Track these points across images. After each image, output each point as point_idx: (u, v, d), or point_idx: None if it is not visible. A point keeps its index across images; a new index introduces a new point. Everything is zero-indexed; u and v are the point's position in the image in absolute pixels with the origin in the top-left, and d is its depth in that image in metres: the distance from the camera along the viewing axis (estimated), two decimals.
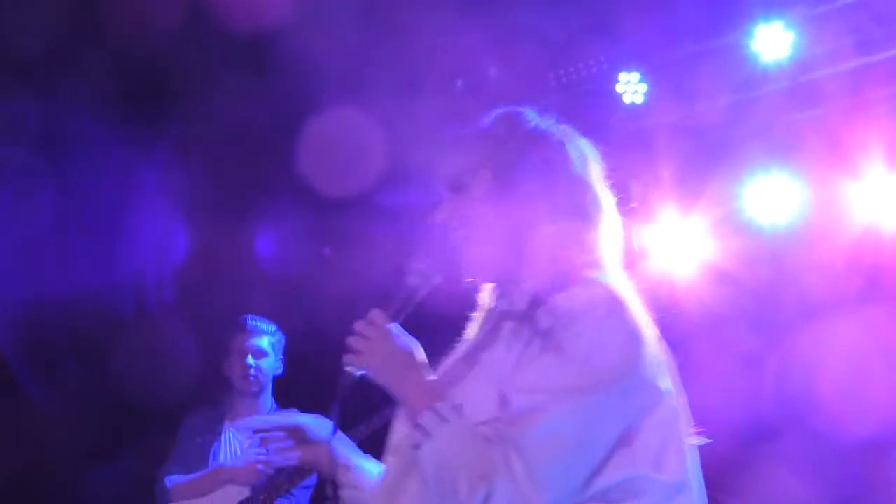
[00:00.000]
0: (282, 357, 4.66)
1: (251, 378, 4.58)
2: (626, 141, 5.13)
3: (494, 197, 2.08)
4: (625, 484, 1.89)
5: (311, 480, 4.39)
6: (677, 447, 1.97)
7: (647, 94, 5.28)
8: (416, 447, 1.97)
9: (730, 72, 5.01)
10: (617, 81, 5.30)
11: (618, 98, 5.30)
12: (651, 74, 5.25)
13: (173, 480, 4.39)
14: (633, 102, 5.29)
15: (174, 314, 5.92)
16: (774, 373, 4.81)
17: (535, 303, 1.98)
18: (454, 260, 2.12)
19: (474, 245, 2.11)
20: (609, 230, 2.13)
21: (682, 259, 5.32)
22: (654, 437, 1.93)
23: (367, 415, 4.21)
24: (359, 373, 2.07)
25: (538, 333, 1.93)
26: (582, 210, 2.09)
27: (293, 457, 2.34)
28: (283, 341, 4.69)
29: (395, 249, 5.63)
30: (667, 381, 1.98)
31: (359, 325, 2.06)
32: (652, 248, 5.36)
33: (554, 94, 5.15)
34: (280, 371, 4.65)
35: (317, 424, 2.33)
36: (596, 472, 1.88)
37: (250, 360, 4.59)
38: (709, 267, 5.23)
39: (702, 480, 2.03)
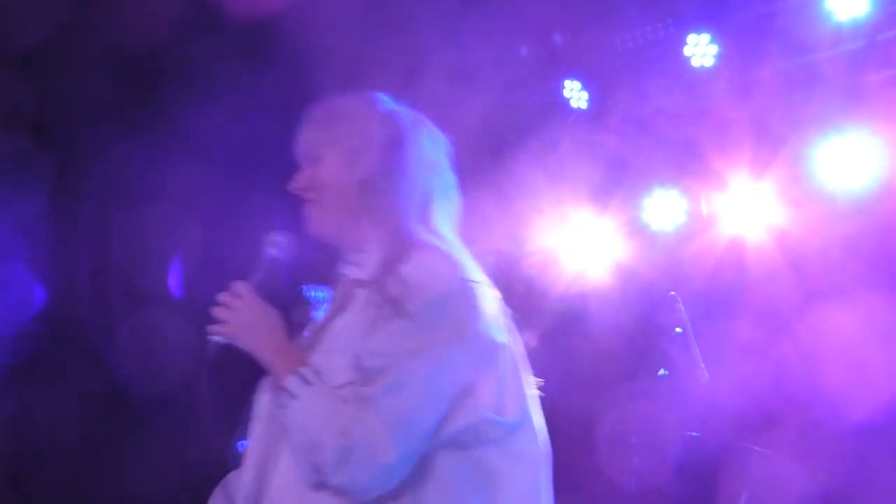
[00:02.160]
0: None
1: None
2: (695, 105, 4.99)
3: (345, 168, 2.27)
4: (472, 428, 2.10)
5: None
6: (515, 391, 2.20)
7: (717, 56, 5.03)
8: (283, 408, 2.14)
9: (803, 31, 4.76)
10: (685, 44, 5.04)
11: (686, 61, 5.06)
12: (721, 36, 4.99)
13: (244, 445, 4.30)
14: (702, 65, 5.05)
15: (178, 307, 5.76)
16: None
17: (385, 271, 2.15)
18: (309, 227, 2.30)
19: (324, 212, 2.29)
20: (448, 207, 2.34)
21: (753, 225, 5.17)
22: (493, 385, 2.14)
23: None
24: (224, 341, 2.22)
25: (388, 300, 2.10)
26: (425, 187, 2.29)
27: None
28: None
29: None
30: (503, 335, 2.19)
31: (223, 296, 2.22)
32: (723, 214, 5.22)
33: (620, 59, 4.90)
34: None
35: None
36: (443, 420, 2.08)
37: None
38: (779, 233, 5.08)
39: (542, 417, 2.28)
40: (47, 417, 5.30)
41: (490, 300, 2.21)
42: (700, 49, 5.04)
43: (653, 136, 5.24)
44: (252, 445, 2.29)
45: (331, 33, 4.54)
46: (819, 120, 4.85)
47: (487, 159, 5.41)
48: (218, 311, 2.22)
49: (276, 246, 2.31)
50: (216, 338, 2.22)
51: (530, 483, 2.22)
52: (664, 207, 5.49)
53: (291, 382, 2.13)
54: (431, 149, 2.35)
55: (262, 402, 2.29)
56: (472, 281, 2.17)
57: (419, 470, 2.10)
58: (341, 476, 2.05)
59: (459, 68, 4.81)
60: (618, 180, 5.42)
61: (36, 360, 5.39)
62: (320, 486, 2.09)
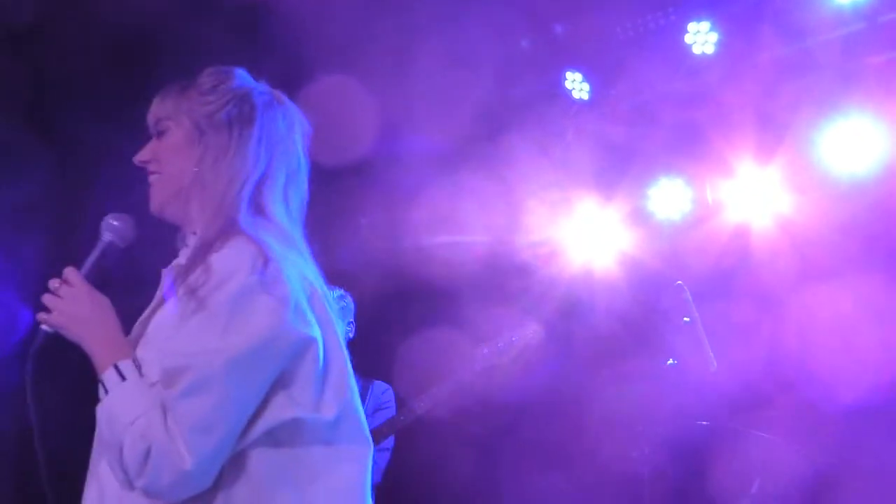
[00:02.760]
0: (352, 321, 4.46)
1: None
2: (697, 92, 4.97)
3: (184, 143, 2.19)
4: (285, 426, 2.02)
5: (389, 443, 4.37)
6: (333, 386, 2.10)
7: (718, 44, 5.00)
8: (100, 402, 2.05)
9: (803, 15, 4.73)
10: (686, 32, 5.01)
11: (687, 49, 5.03)
12: (722, 23, 4.96)
13: None
14: (703, 53, 5.02)
15: None
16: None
17: (195, 260, 2.06)
18: (150, 203, 2.22)
19: (162, 187, 2.21)
20: (293, 192, 2.23)
21: (758, 212, 5.15)
22: (308, 380, 2.05)
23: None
24: (48, 330, 2.12)
25: (191, 293, 2.00)
26: (265, 169, 2.19)
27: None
28: (353, 305, 4.49)
29: (390, 219, 5.70)
30: (314, 329, 2.07)
31: (52, 283, 2.12)
32: (728, 201, 5.21)
33: (621, 48, 4.89)
34: (352, 335, 4.44)
35: None
36: (252, 420, 1.99)
37: None
38: (784, 220, 5.07)
39: (362, 411, 2.20)
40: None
41: (300, 292, 2.07)
42: (701, 37, 5.00)
43: (656, 125, 5.20)
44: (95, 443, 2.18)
45: (325, 14, 4.50)
46: (822, 103, 4.83)
47: (489, 149, 5.39)
48: (46, 299, 2.12)
49: (112, 230, 2.23)
50: (43, 326, 2.12)
51: (353, 478, 2.14)
52: (669, 196, 5.46)
53: (108, 376, 2.03)
54: (282, 130, 2.25)
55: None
56: (283, 274, 2.03)
57: (232, 468, 2.01)
58: (142, 479, 1.96)
59: (459, 55, 4.77)
60: (622, 170, 5.40)
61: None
62: (130, 485, 2.00)
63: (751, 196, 5.16)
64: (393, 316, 5.48)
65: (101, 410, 2.03)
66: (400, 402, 4.50)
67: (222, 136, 2.18)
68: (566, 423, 5.19)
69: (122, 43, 4.70)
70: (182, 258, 2.19)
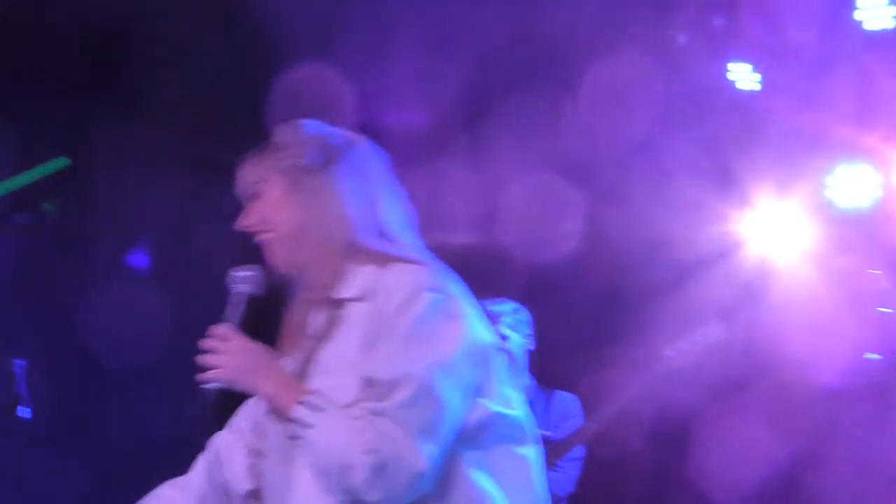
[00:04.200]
0: (530, 332, 4.39)
1: None
2: (875, 69, 4.75)
3: (286, 197, 2.31)
4: (484, 424, 2.21)
5: (580, 453, 4.32)
6: (512, 388, 2.30)
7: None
8: (295, 439, 2.18)
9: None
10: (856, 8, 4.75)
11: (857, 25, 4.78)
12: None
13: None
14: (883, 28, 4.75)
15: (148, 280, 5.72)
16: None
17: (364, 289, 2.22)
18: (271, 262, 2.33)
19: (280, 241, 2.31)
20: (400, 213, 2.37)
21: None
22: (495, 383, 2.24)
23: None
24: (218, 386, 2.22)
25: (381, 317, 2.17)
26: (371, 199, 2.33)
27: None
28: (529, 316, 4.42)
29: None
30: (490, 335, 2.29)
31: (207, 343, 2.23)
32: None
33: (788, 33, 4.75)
34: (532, 346, 4.38)
35: None
36: (459, 422, 2.17)
37: None
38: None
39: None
40: None
41: (473, 305, 2.27)
42: (874, 12, 4.69)
43: (831, 110, 4.89)
44: (269, 480, 2.32)
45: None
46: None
47: (660, 148, 5.17)
48: (207, 358, 2.22)
49: (246, 282, 2.32)
50: (211, 384, 2.22)
51: (538, 473, 2.30)
52: (853, 183, 5.02)
53: (300, 412, 2.15)
54: (368, 161, 2.37)
55: (272, 435, 2.31)
56: (455, 290, 2.24)
57: (441, 474, 2.16)
58: (376, 492, 2.10)
59: (618, 57, 4.68)
60: (800, 158, 5.07)
61: None
62: None
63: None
64: (566, 324, 5.26)
65: (310, 443, 2.15)
66: (587, 411, 4.40)
67: (317, 179, 2.30)
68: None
69: (95, 33, 4.66)
70: (331, 294, 2.29)
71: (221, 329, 2.24)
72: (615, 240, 5.14)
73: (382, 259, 2.23)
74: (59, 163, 3.32)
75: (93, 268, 5.53)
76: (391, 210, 2.35)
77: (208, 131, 5.43)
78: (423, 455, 2.09)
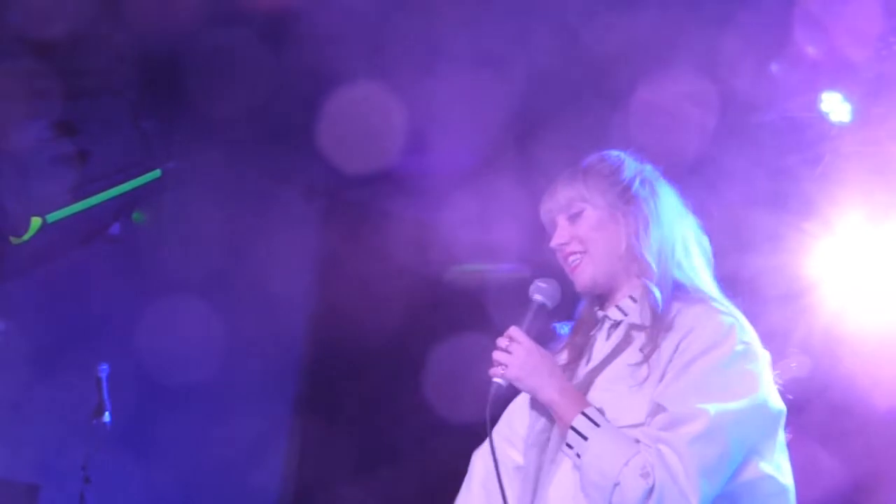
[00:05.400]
0: None
1: None
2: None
3: (606, 222, 2.44)
4: (752, 483, 2.24)
5: None
6: (787, 457, 2.32)
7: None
8: (570, 446, 2.27)
9: None
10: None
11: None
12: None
13: None
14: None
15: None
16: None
17: (655, 322, 2.32)
18: (572, 277, 2.46)
19: (592, 264, 2.44)
20: (702, 253, 2.49)
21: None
22: (777, 446, 2.29)
23: None
24: (505, 384, 2.36)
25: (683, 351, 2.25)
26: (680, 235, 2.45)
27: None
28: None
29: (417, 226, 5.67)
30: (781, 400, 2.33)
31: (500, 341, 2.37)
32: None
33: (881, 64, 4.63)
34: None
35: None
36: (734, 473, 2.21)
37: None
38: None
39: None
40: None
41: (768, 361, 2.35)
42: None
43: None
44: (526, 469, 2.43)
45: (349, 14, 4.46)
46: None
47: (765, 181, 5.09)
48: (498, 356, 2.36)
49: (542, 293, 2.44)
50: (498, 380, 2.35)
51: None
52: None
53: (580, 422, 2.25)
54: (676, 199, 2.50)
55: (534, 427, 2.45)
56: (754, 341, 2.32)
57: None
58: None
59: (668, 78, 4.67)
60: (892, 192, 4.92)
61: None
62: None
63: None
64: None
65: (585, 455, 2.23)
66: None
67: (639, 210, 2.43)
68: None
69: (150, 54, 4.75)
70: (627, 318, 2.41)
71: (514, 331, 2.37)
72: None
73: (690, 295, 2.34)
74: (152, 175, 3.40)
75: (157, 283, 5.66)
76: (695, 245, 2.47)
77: (265, 149, 5.56)
78: (699, 492, 2.13)
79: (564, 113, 5.02)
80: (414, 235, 5.63)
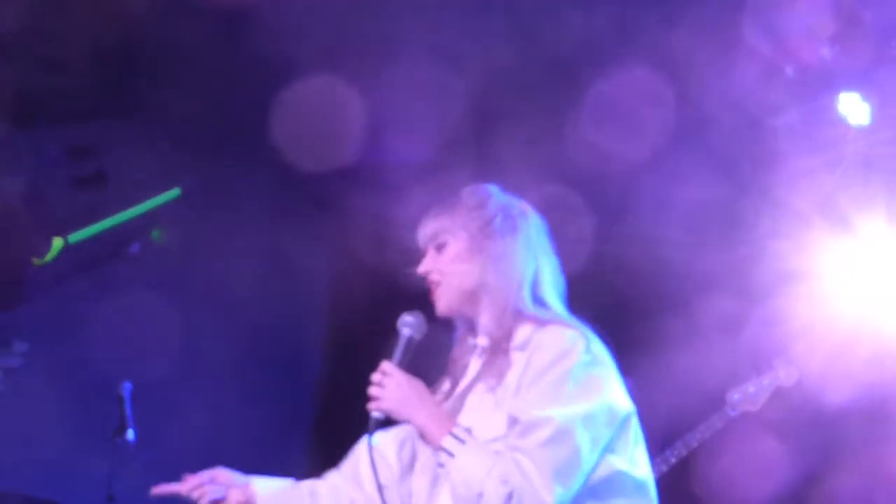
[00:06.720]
0: None
1: None
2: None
3: (466, 254, 2.64)
4: (609, 479, 2.45)
5: None
6: (642, 453, 2.55)
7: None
8: (441, 465, 2.51)
9: None
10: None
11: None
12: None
13: None
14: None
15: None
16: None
17: (506, 346, 2.56)
18: (436, 306, 2.66)
19: (449, 292, 2.65)
20: (556, 283, 2.68)
21: None
22: (628, 443, 2.50)
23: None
24: (381, 416, 2.56)
25: (533, 367, 2.47)
26: (537, 265, 2.65)
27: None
28: None
29: (376, 220, 5.66)
30: (629, 401, 2.54)
31: (374, 376, 2.57)
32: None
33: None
34: None
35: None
36: (590, 471, 2.42)
37: None
38: None
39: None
40: None
41: (613, 365, 2.55)
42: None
43: None
44: (417, 495, 2.65)
45: (306, 15, 4.45)
46: None
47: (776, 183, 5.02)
48: (372, 390, 2.55)
49: (410, 326, 2.63)
50: (375, 413, 2.55)
51: None
52: None
53: (448, 442, 2.46)
54: (537, 234, 2.70)
55: (422, 457, 2.67)
56: (600, 350, 2.53)
57: None
58: None
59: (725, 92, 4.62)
60: None
61: None
62: None
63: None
64: None
65: (453, 471, 2.44)
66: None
67: (497, 244, 2.63)
68: None
69: (103, 49, 4.69)
70: (486, 342, 2.63)
71: (386, 366, 2.57)
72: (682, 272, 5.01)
73: (540, 320, 2.55)
74: (172, 193, 3.40)
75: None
76: (548, 277, 2.66)
77: (212, 148, 5.51)
78: (553, 493, 2.33)
79: (522, 108, 5.04)
80: (372, 230, 5.60)
